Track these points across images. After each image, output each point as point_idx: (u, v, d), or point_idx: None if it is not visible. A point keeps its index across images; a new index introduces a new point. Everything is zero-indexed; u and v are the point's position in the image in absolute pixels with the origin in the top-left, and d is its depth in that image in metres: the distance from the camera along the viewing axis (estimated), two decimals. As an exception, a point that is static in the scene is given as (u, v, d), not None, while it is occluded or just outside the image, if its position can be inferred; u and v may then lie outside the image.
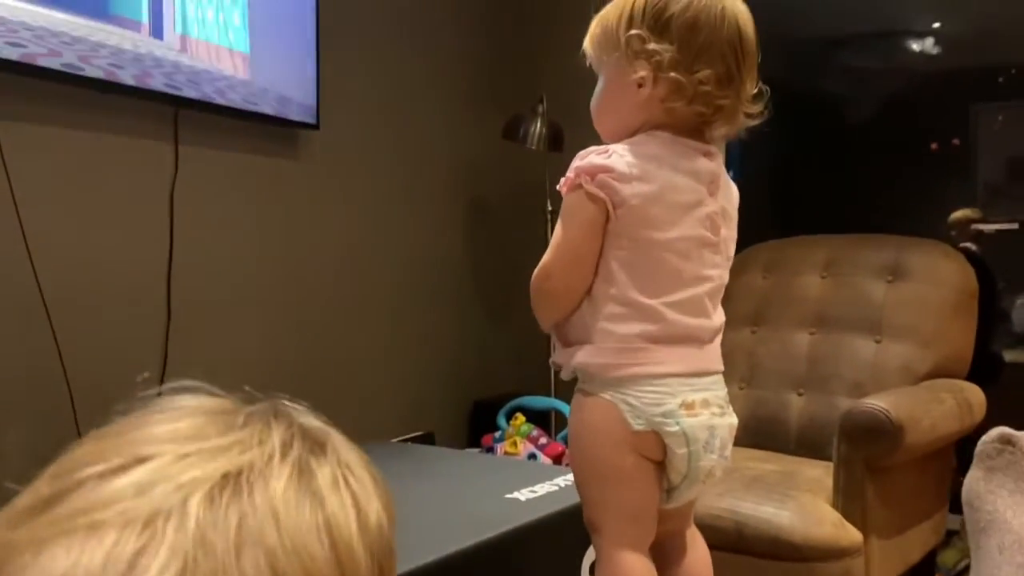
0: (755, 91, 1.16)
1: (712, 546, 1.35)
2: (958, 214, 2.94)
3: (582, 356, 1.16)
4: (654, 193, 1.11)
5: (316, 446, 0.39)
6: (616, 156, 1.12)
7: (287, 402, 0.42)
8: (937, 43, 3.09)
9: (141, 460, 0.35)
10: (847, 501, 1.84)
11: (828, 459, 1.94)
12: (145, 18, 1.98)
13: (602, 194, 1.11)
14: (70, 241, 1.94)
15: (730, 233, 1.22)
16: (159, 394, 0.41)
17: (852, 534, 1.81)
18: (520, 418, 2.66)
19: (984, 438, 1.20)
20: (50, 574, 0.31)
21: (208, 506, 0.33)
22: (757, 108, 1.17)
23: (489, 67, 3.19)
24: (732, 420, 1.20)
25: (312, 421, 0.41)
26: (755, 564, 1.79)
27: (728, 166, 2.94)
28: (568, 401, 1.25)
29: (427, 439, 2.76)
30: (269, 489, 0.35)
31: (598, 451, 1.16)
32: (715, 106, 1.13)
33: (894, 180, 3.07)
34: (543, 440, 2.57)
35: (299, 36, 2.37)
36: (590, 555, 1.48)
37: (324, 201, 2.56)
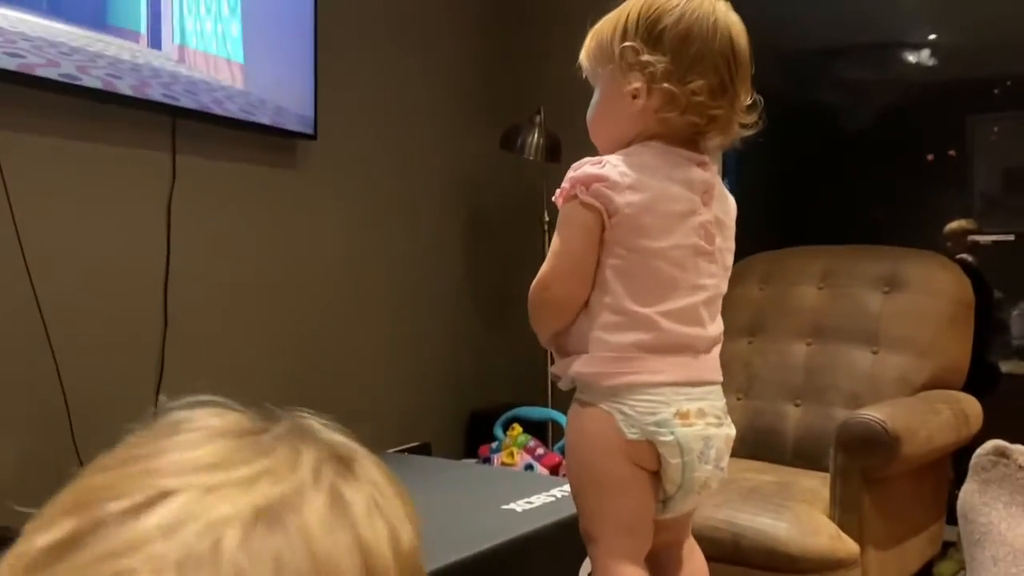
0: (749, 102, 1.17)
1: (709, 557, 1.35)
2: (954, 225, 2.95)
3: (578, 366, 1.17)
4: (647, 202, 1.12)
5: (346, 469, 0.37)
6: (609, 166, 1.12)
7: (309, 417, 0.40)
8: (933, 55, 3.11)
9: (165, 495, 0.33)
10: (844, 512, 1.84)
11: (825, 470, 1.94)
12: (143, 28, 1.99)
13: (597, 203, 1.12)
14: (67, 251, 1.94)
15: (726, 243, 1.22)
16: (171, 409, 0.39)
17: (849, 545, 1.80)
18: (517, 429, 2.66)
19: (979, 451, 1.20)
20: None
21: (242, 546, 0.32)
22: (751, 119, 1.18)
23: (487, 77, 3.20)
24: (729, 431, 1.19)
25: (338, 438, 0.39)
26: None
27: (725, 177, 2.95)
28: (565, 411, 1.25)
29: (423, 449, 2.75)
30: (303, 520, 0.33)
31: (593, 460, 1.16)
32: (708, 116, 1.14)
33: (890, 191, 3.08)
34: (540, 451, 2.56)
35: (297, 47, 2.38)
36: (586, 566, 1.48)
37: (321, 211, 2.57)
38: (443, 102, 3.03)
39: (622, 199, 1.11)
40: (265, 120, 2.29)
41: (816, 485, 1.96)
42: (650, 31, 1.13)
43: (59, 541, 0.32)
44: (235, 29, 2.20)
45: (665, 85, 1.12)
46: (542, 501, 1.62)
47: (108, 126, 2.01)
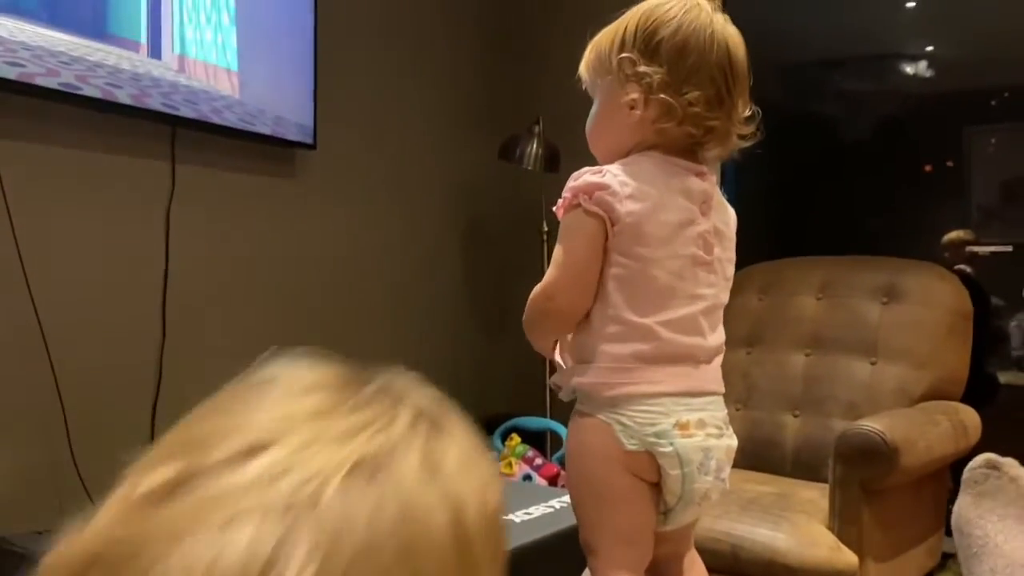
0: (747, 114, 1.18)
1: (708, 568, 1.34)
2: (952, 236, 2.95)
3: (578, 376, 1.17)
4: (646, 211, 1.12)
5: (439, 427, 0.38)
6: (610, 175, 1.13)
7: (405, 374, 0.41)
8: (931, 66, 3.12)
9: (268, 444, 0.34)
10: (843, 523, 1.84)
11: (824, 481, 1.93)
12: (144, 38, 1.99)
13: (600, 211, 1.12)
14: (66, 260, 1.94)
15: (726, 254, 1.22)
16: (270, 361, 0.40)
17: (848, 557, 1.80)
18: (515, 439, 2.65)
19: (971, 464, 1.20)
20: (189, 568, 0.30)
21: (343, 495, 0.33)
22: (749, 130, 1.18)
23: (486, 87, 3.21)
24: (731, 442, 1.19)
25: (432, 397, 0.40)
26: (751, 587, 1.79)
27: (724, 187, 2.95)
28: (564, 422, 1.25)
29: (422, 459, 2.74)
30: (398, 475, 0.35)
31: (593, 471, 1.16)
32: (706, 127, 1.14)
33: (888, 202, 3.08)
34: (538, 461, 2.56)
35: (296, 57, 2.38)
36: (585, 577, 1.47)
37: (320, 220, 2.57)
38: (442, 112, 3.03)
39: (623, 208, 1.11)
40: (264, 130, 2.29)
41: (815, 496, 1.96)
42: (647, 43, 1.14)
43: (161, 486, 0.33)
44: (235, 39, 2.21)
45: (662, 96, 1.12)
46: (540, 512, 1.62)
47: (108, 135, 2.01)
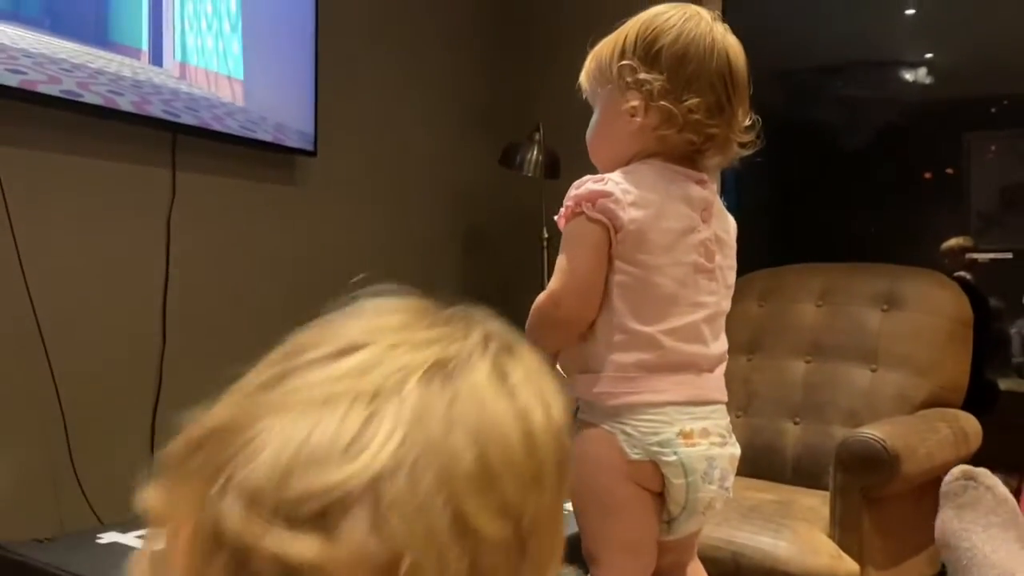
0: (747, 122, 1.18)
1: (709, 576, 1.34)
2: (951, 242, 2.95)
3: (581, 386, 1.16)
4: (649, 218, 1.12)
5: (508, 348, 0.43)
6: (612, 183, 1.13)
7: (478, 308, 0.46)
8: (931, 73, 3.12)
9: (360, 347, 0.39)
10: (844, 531, 1.83)
11: (824, 488, 1.93)
12: (145, 45, 2.00)
13: (604, 218, 1.12)
14: (67, 266, 1.94)
15: (727, 261, 1.22)
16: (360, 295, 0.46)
17: (849, 565, 1.79)
18: (515, 445, 2.65)
19: (947, 478, 1.20)
20: (290, 436, 0.35)
21: (423, 387, 0.38)
22: (749, 138, 1.18)
23: (487, 94, 3.21)
24: (734, 450, 1.19)
25: (502, 327, 0.45)
26: (752, 595, 1.78)
27: (724, 194, 2.96)
28: (564, 431, 1.24)
29: (422, 466, 2.74)
30: (472, 378, 0.39)
31: (596, 481, 1.15)
32: (705, 134, 1.15)
33: (888, 209, 3.09)
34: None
35: (298, 64, 2.39)
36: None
37: (321, 227, 2.57)
38: (443, 119, 3.04)
39: (627, 215, 1.11)
40: (265, 137, 2.29)
41: (816, 504, 1.95)
42: (647, 51, 1.14)
43: (273, 376, 0.40)
44: (236, 46, 2.21)
45: (662, 103, 1.13)
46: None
47: (109, 142, 2.01)
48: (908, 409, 2.16)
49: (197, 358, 2.18)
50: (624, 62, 1.15)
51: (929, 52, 3.14)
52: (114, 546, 1.55)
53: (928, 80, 3.13)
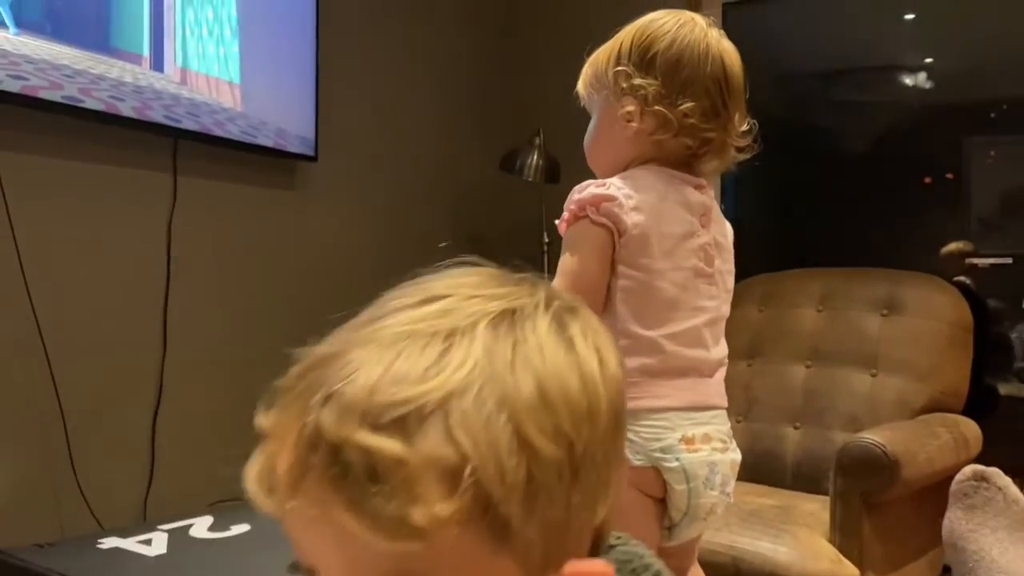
0: (744, 126, 1.18)
1: (708, 582, 1.34)
2: (951, 247, 2.95)
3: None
4: (649, 223, 1.13)
5: (569, 308, 0.49)
6: (614, 187, 1.13)
7: (545, 279, 0.52)
8: (930, 78, 3.13)
9: (440, 297, 0.47)
10: (844, 536, 1.83)
11: (825, 493, 1.93)
12: (146, 51, 2.00)
13: (608, 222, 1.12)
14: (68, 271, 1.95)
15: (726, 266, 1.23)
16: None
17: (849, 570, 1.79)
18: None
19: (958, 477, 1.19)
20: (379, 361, 0.42)
21: (491, 330, 0.44)
22: (746, 142, 1.19)
23: (487, 99, 3.22)
24: (735, 456, 1.19)
25: (565, 295, 0.51)
26: (752, 600, 1.78)
27: (723, 199, 2.96)
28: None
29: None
30: (536, 328, 0.45)
31: (595, 487, 1.15)
32: (702, 139, 1.15)
33: (888, 213, 3.09)
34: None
35: (298, 69, 2.39)
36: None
37: (321, 232, 2.57)
38: (443, 124, 3.04)
39: (629, 219, 1.12)
40: (266, 142, 2.30)
41: (816, 509, 1.95)
42: (643, 56, 1.15)
43: (364, 320, 0.48)
44: (237, 52, 2.22)
45: (657, 108, 1.14)
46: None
47: (110, 148, 2.02)
48: (908, 414, 2.16)
49: (198, 363, 2.18)
50: (619, 68, 1.16)
51: (929, 57, 3.14)
52: (115, 551, 1.55)
53: (928, 85, 3.13)
